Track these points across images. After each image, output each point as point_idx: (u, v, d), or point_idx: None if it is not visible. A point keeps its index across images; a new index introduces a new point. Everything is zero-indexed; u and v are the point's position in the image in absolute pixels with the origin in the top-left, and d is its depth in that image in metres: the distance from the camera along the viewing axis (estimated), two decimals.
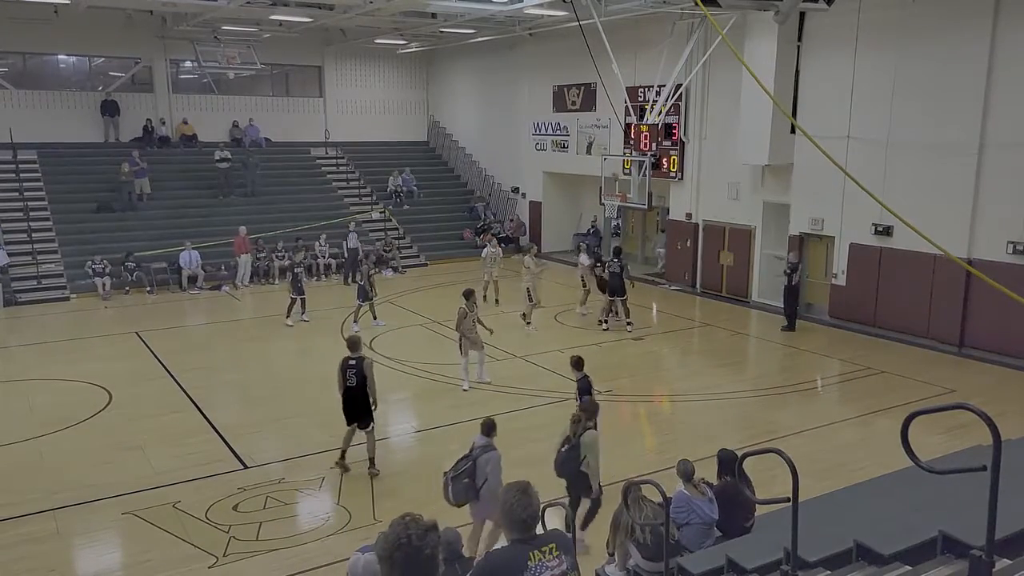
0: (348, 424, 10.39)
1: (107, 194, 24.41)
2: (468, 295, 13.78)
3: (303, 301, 18.27)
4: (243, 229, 22.67)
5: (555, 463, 8.24)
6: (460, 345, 13.67)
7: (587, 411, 8.44)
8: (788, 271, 17.53)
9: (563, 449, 8.16)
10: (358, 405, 10.28)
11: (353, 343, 10.57)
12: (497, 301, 20.01)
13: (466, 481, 7.75)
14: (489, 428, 8.05)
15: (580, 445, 8.06)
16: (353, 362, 10.22)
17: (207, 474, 10.29)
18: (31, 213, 22.97)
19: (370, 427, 10.36)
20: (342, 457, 10.42)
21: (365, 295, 17.59)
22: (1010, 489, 4.20)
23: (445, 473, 7.94)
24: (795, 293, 17.67)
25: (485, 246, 21.17)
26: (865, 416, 12.36)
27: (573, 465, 8.11)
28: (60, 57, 27.69)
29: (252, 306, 20.87)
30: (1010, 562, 4.90)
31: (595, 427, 8.47)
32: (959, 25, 15.32)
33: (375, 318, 18.02)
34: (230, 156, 26.33)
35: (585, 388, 10.05)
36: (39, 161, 24.85)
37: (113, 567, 8.43)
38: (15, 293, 20.63)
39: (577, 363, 10.36)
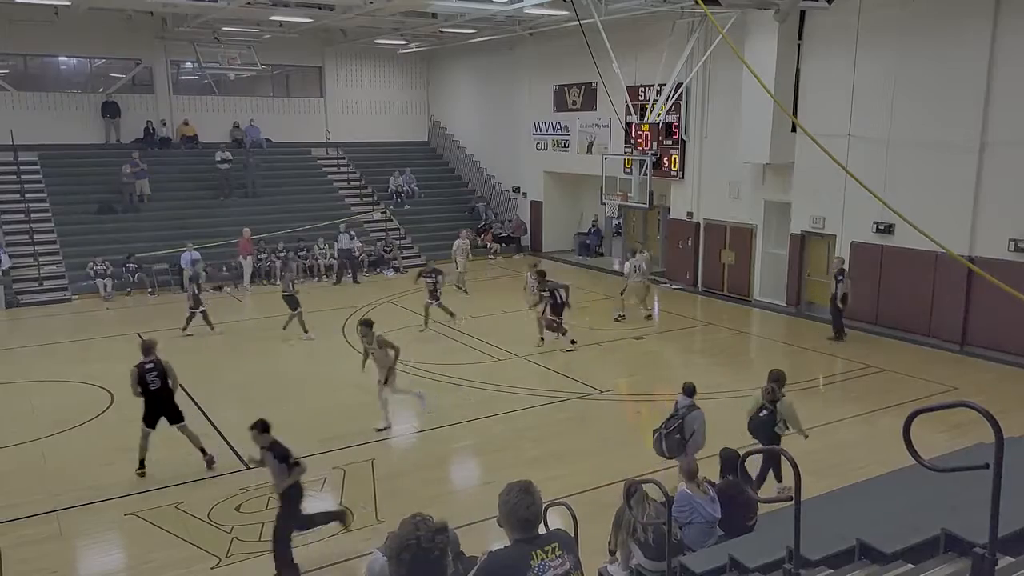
0: (151, 426, 10.41)
1: (108, 195, 24.45)
2: (366, 324, 12.06)
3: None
4: (247, 231, 22.67)
5: (749, 426, 9.19)
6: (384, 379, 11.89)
7: (779, 380, 9.29)
8: (837, 277, 16.43)
9: (761, 414, 9.12)
10: (167, 404, 10.52)
11: (147, 347, 10.72)
12: (466, 291, 20.50)
13: (677, 436, 9.01)
14: (691, 390, 9.24)
15: (776, 411, 9.04)
16: (150, 365, 10.43)
17: (209, 475, 10.30)
18: (32, 215, 23.00)
19: (183, 423, 10.57)
20: (141, 465, 10.36)
21: (294, 304, 17.23)
22: (1012, 487, 4.19)
23: (656, 430, 9.24)
24: (844, 300, 16.41)
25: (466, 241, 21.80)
26: (867, 414, 12.36)
27: (768, 429, 9.08)
28: (61, 59, 27.73)
29: (254, 307, 20.88)
30: (1013, 560, 4.90)
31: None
32: (959, 24, 15.31)
33: (305, 331, 17.23)
34: (231, 157, 26.36)
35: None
36: (40, 163, 24.88)
37: (116, 568, 8.44)
38: (17, 295, 20.66)
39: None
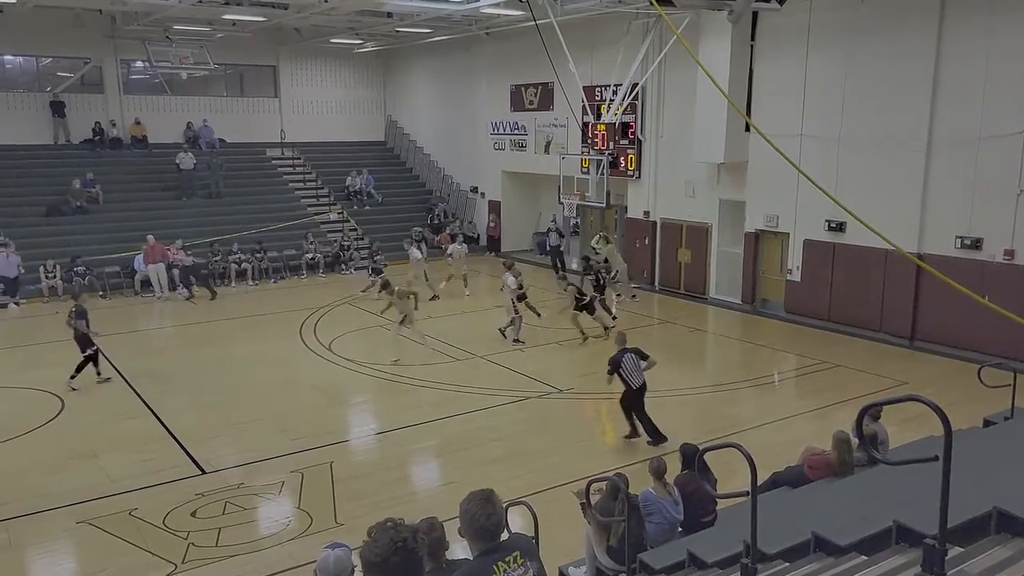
0: None
1: (56, 197, 23.85)
2: (385, 285, 16.41)
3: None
4: (151, 238, 21.65)
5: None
6: None
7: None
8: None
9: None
10: None
11: None
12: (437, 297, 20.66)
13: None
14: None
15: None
16: None
17: (164, 480, 10.10)
18: None
19: None
20: None
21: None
22: (961, 478, 4.30)
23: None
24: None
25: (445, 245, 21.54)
26: (822, 409, 12.57)
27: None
28: (6, 57, 26.98)
29: (207, 310, 20.52)
30: (962, 550, 5.02)
31: None
32: (906, 24, 15.66)
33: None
34: (195, 159, 25.99)
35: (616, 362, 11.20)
36: None
37: None
38: None
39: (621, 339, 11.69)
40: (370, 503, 9.31)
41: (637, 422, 11.23)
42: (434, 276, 21.52)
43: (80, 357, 13.74)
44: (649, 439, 11.11)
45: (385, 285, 16.51)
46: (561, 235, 24.93)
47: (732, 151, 18.53)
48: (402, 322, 15.46)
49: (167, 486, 9.95)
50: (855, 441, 7.55)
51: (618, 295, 19.91)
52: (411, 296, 16.04)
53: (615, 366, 11.11)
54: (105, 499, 9.56)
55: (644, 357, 11.28)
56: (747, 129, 17.96)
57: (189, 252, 22.11)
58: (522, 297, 17.14)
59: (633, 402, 11.22)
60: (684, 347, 17.15)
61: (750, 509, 5.04)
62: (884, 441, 8.33)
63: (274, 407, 12.83)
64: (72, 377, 13.60)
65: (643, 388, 11.19)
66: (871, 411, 7.96)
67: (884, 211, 14.84)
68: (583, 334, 16.49)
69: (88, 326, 13.75)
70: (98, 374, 13.99)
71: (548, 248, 24.92)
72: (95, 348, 13.91)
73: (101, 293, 21.34)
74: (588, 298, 16.81)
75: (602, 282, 18.02)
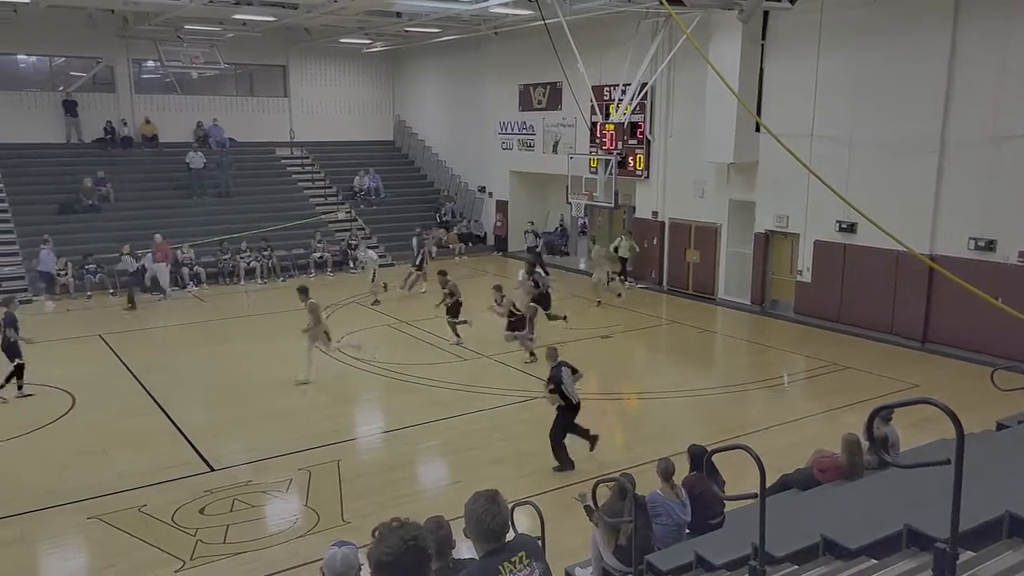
0: None
1: (69, 195, 23.97)
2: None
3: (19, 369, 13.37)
4: (159, 236, 21.70)
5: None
6: None
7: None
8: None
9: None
10: None
11: None
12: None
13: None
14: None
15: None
16: None
17: (173, 477, 10.14)
18: None
19: None
20: None
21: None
22: (973, 482, 4.26)
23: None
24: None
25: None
26: (831, 411, 12.50)
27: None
28: (20, 57, 27.14)
29: (217, 308, 20.57)
30: (974, 554, 4.98)
31: None
32: (920, 24, 15.57)
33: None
34: (205, 158, 26.12)
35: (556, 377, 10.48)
36: None
37: (79, 572, 8.33)
38: None
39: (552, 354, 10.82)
40: (376, 501, 9.32)
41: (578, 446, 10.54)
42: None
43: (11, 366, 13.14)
44: (557, 464, 10.36)
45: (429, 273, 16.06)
46: (537, 236, 25.07)
47: (742, 151, 18.46)
48: (316, 337, 13.80)
49: (176, 483, 9.98)
50: (865, 444, 7.50)
51: (598, 302, 19.85)
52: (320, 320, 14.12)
53: (557, 382, 10.39)
54: (115, 495, 9.60)
55: (574, 371, 10.61)
56: (757, 129, 17.89)
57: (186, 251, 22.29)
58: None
59: (569, 420, 10.54)
60: (692, 348, 17.09)
61: (759, 511, 5.01)
62: (895, 444, 8.28)
63: (281, 405, 12.85)
64: (0, 387, 13.10)
65: (579, 406, 10.56)
66: (882, 413, 7.92)
67: (896, 212, 14.75)
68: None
69: (18, 333, 13.25)
70: (19, 388, 13.21)
71: (526, 249, 25.03)
72: (22, 361, 13.21)
73: (112, 291, 21.43)
74: (520, 316, 15.46)
75: (546, 294, 17.05)
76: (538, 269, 18.25)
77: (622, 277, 21.42)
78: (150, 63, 27.46)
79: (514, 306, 15.61)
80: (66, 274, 21.14)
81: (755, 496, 5.22)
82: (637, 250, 21.68)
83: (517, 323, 15.43)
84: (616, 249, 21.52)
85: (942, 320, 15.69)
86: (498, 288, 16.08)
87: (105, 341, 16.76)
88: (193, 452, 10.99)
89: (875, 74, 16.33)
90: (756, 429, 11.70)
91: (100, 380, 14.08)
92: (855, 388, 13.50)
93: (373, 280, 20.64)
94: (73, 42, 25.65)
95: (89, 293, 21.24)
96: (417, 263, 21.72)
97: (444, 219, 28.18)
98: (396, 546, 3.11)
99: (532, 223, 26.51)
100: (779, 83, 18.09)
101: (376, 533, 3.22)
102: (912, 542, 5.49)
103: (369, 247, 23.44)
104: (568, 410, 10.52)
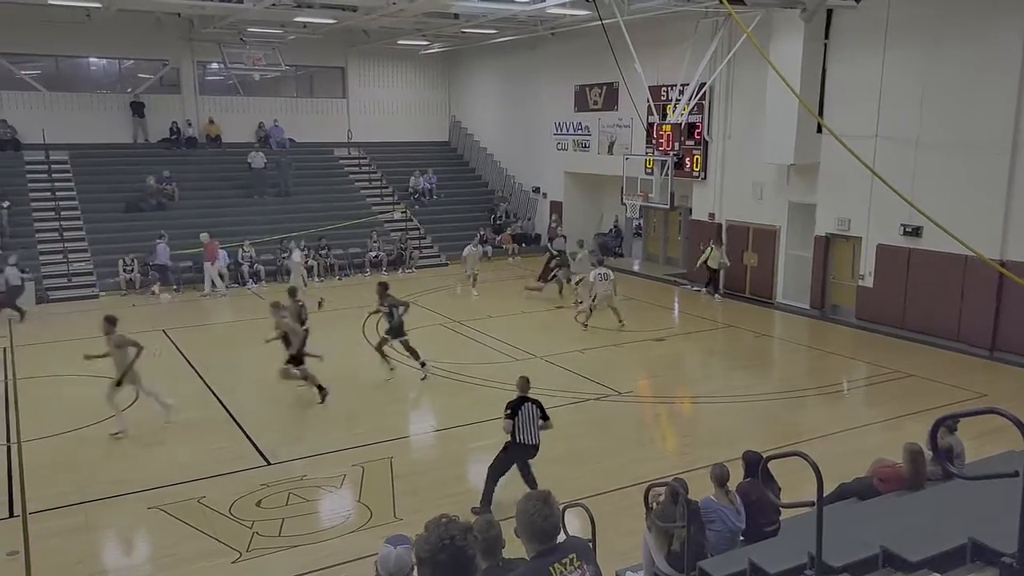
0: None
1: (136, 194, 24.70)
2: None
3: None
4: (205, 236, 21.93)
5: None
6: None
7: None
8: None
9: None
10: None
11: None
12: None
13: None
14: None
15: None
16: None
17: (231, 470, 10.36)
18: (62, 212, 23.33)
19: None
20: None
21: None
22: None
23: None
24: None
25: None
26: (892, 420, 12.19)
27: None
28: (91, 60, 28.07)
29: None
30: None
31: None
32: (991, 23, 15.08)
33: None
34: (266, 157, 26.74)
35: None
36: (70, 162, 25.23)
37: (139, 560, 8.58)
38: (47, 291, 20.93)
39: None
40: (428, 499, 9.38)
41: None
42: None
43: None
44: (479, 506, 8.97)
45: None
46: (554, 237, 25.10)
47: (803, 152, 18.12)
48: (121, 381, 11.76)
49: (233, 476, 10.19)
50: (929, 454, 7.29)
51: (578, 302, 19.24)
52: (134, 347, 11.83)
53: (515, 411, 9.10)
54: (174, 486, 9.84)
55: (544, 416, 9.24)
56: (819, 130, 17.53)
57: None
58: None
59: (514, 460, 9.19)
60: (749, 352, 16.82)
61: (815, 520, 4.90)
62: (960, 454, 8.02)
63: (336, 402, 13.02)
64: None
65: (535, 449, 9.19)
66: (947, 423, 7.69)
67: (964, 215, 14.33)
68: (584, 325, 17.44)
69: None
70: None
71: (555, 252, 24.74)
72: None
73: (175, 287, 22.00)
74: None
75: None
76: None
77: (709, 289, 21.06)
78: (214, 65, 28.14)
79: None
80: (132, 270, 21.75)
81: (812, 504, 5.12)
82: (727, 263, 20.66)
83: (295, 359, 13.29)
84: (706, 261, 20.72)
85: (1012, 328, 15.16)
86: (276, 305, 14.01)
87: (168, 336, 17.22)
88: (250, 446, 11.22)
89: (943, 73, 15.87)
90: (814, 436, 11.47)
91: (163, 374, 14.43)
92: (918, 396, 13.13)
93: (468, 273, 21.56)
94: (141, 45, 26.43)
95: (154, 289, 21.82)
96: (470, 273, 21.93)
97: (498, 220, 28.26)
98: (434, 544, 3.14)
99: (555, 220, 26.46)
100: (842, 83, 17.71)
101: (427, 528, 3.26)
102: (976, 556, 5.31)
103: (298, 248, 22.07)
104: (514, 447, 9.14)
